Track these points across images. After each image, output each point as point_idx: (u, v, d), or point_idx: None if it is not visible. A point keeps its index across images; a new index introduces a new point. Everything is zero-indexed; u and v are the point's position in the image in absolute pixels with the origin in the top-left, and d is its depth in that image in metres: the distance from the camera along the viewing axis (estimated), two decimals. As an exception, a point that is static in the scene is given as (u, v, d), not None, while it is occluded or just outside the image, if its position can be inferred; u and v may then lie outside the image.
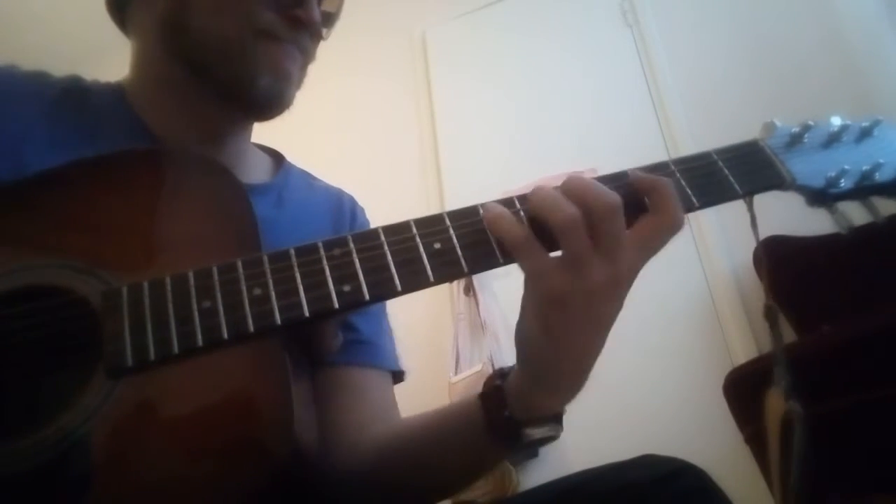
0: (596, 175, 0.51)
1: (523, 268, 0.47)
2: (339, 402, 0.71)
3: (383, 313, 0.80)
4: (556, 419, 0.56)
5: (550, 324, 0.48)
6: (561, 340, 0.49)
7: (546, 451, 2.01)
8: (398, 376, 0.78)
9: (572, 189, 0.47)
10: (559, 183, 0.49)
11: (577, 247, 0.46)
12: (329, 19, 0.75)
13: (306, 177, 0.84)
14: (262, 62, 0.66)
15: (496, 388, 0.57)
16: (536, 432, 0.55)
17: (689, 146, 2.20)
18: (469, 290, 2.25)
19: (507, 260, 0.48)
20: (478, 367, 2.08)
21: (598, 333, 0.50)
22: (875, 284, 1.61)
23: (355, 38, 2.86)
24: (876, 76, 2.07)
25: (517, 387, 0.55)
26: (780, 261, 1.74)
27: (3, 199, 0.54)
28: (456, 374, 2.13)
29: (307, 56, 0.72)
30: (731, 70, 2.28)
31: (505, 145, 2.51)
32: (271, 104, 0.69)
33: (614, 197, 0.47)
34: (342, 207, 0.82)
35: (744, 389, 1.65)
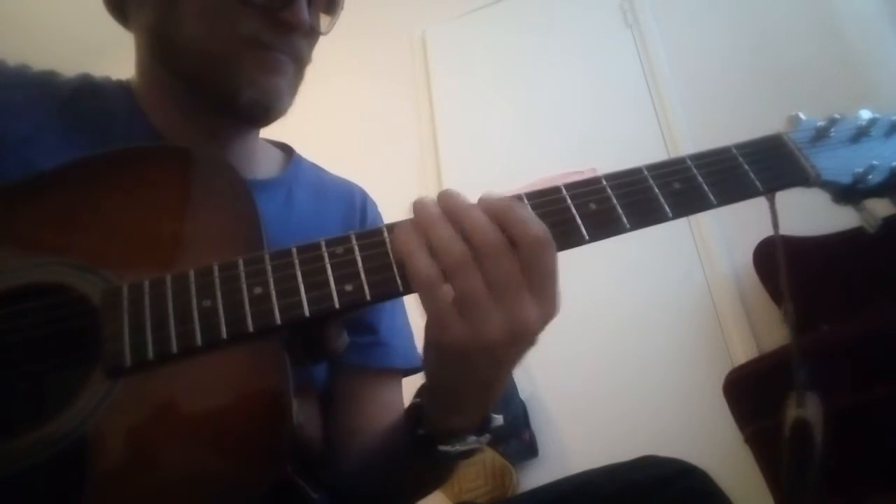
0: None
1: (425, 309, 0.45)
2: (344, 405, 0.72)
3: (399, 306, 0.79)
4: (480, 432, 0.54)
5: (449, 366, 0.48)
6: (462, 377, 0.48)
7: (546, 452, 2.01)
8: (413, 369, 0.78)
9: (469, 229, 0.44)
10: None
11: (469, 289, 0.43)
12: (332, 6, 0.70)
13: (316, 170, 0.83)
14: (247, 76, 0.63)
15: (415, 406, 0.56)
16: (452, 449, 0.53)
17: (688, 146, 2.20)
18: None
19: None
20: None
21: (502, 371, 0.48)
22: (875, 284, 1.61)
23: (355, 38, 2.86)
24: (876, 76, 2.06)
25: (428, 405, 0.54)
26: (780, 260, 1.74)
27: (6, 196, 0.53)
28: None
29: (300, 60, 0.68)
30: (731, 70, 2.28)
31: (505, 145, 2.50)
32: (258, 117, 0.67)
33: (499, 236, 0.44)
34: (353, 202, 0.81)
35: (744, 389, 1.65)
